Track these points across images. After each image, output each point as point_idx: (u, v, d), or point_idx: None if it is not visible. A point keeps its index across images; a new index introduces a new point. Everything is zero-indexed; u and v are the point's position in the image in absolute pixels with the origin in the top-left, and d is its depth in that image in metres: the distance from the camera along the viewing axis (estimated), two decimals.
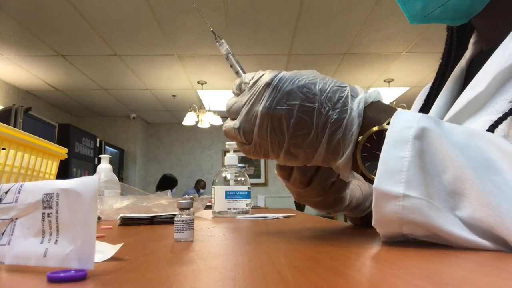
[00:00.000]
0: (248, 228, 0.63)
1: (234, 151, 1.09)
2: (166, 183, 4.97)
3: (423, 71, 4.40)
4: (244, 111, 0.40)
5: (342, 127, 0.37)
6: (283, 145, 0.39)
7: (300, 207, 6.28)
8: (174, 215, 0.54)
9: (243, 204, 1.03)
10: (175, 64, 4.20)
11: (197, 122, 5.16)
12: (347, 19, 3.16)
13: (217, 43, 0.48)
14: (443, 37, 0.60)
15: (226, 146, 1.10)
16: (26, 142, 0.76)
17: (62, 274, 0.22)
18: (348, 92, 0.38)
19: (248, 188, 1.06)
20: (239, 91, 0.43)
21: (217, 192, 1.03)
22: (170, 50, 3.80)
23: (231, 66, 0.47)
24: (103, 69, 4.33)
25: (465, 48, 0.56)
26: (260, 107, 0.38)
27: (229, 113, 0.42)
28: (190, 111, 5.02)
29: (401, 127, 0.34)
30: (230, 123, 0.42)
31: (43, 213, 0.26)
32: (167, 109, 6.20)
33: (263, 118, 0.38)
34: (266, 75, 0.39)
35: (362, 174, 0.38)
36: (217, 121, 5.23)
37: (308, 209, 6.65)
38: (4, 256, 0.26)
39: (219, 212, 1.03)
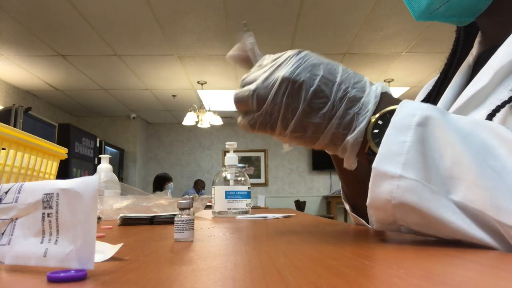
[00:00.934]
0: (248, 228, 0.63)
1: (234, 151, 1.09)
2: (161, 182, 4.95)
3: (423, 71, 4.40)
4: (263, 76, 0.40)
5: (359, 104, 0.38)
6: (296, 112, 0.39)
7: (300, 207, 6.28)
8: (174, 215, 0.54)
9: (243, 204, 1.03)
10: (175, 64, 4.20)
11: (197, 122, 5.16)
12: (347, 19, 3.16)
13: (245, 31, 0.47)
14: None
15: (226, 146, 1.10)
16: (26, 142, 0.76)
17: (62, 274, 0.22)
18: (367, 79, 0.40)
19: (248, 188, 1.06)
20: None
21: (217, 192, 1.03)
22: (170, 50, 3.80)
23: (251, 60, 0.46)
24: (103, 69, 4.33)
25: (471, 47, 0.57)
26: (282, 72, 0.38)
27: (244, 82, 0.42)
28: (190, 111, 5.02)
29: (406, 114, 0.35)
30: (244, 88, 0.41)
31: (43, 213, 0.26)
32: (167, 109, 6.20)
33: (283, 82, 0.38)
34: (291, 50, 0.40)
35: (368, 153, 0.39)
36: (217, 121, 5.23)
37: (308, 209, 6.66)
38: (4, 256, 0.26)
39: (219, 212, 1.03)
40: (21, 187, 0.27)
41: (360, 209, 0.63)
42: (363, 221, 0.62)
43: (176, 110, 6.20)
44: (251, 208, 1.09)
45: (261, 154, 7.09)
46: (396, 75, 4.50)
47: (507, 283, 0.20)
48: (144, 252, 0.34)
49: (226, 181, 1.04)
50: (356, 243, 0.39)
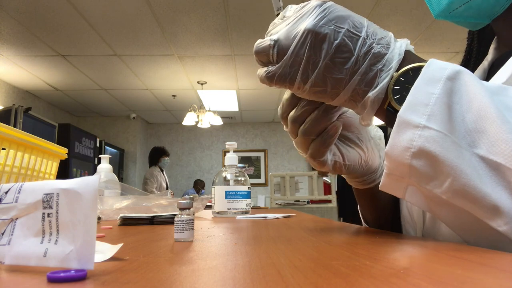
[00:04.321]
0: (248, 228, 0.63)
1: (234, 151, 1.09)
2: (157, 155, 4.91)
3: None
4: (286, 27, 0.38)
5: (383, 60, 0.37)
6: (318, 66, 0.37)
7: None
8: (174, 215, 0.54)
9: (243, 204, 1.03)
10: (175, 64, 4.20)
11: (197, 122, 5.16)
12: None
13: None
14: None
15: (226, 146, 1.10)
16: (26, 142, 0.76)
17: (62, 274, 0.22)
18: (391, 35, 0.39)
19: (248, 188, 1.06)
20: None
21: (217, 192, 1.03)
22: (170, 50, 3.80)
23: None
24: (103, 69, 4.33)
25: (485, 54, 0.57)
26: (306, 23, 0.37)
27: (268, 34, 0.40)
28: (190, 111, 5.02)
29: (437, 67, 0.35)
30: (265, 38, 0.39)
31: (43, 213, 0.26)
32: (167, 109, 6.20)
33: (306, 34, 0.37)
34: (315, 0, 0.39)
35: (388, 110, 0.38)
36: (217, 121, 5.23)
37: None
38: (4, 256, 0.26)
39: (219, 212, 1.03)
40: (21, 187, 0.27)
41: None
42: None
43: (176, 110, 6.20)
44: (251, 208, 1.09)
45: (261, 154, 7.09)
46: None
47: (507, 283, 0.20)
48: (144, 252, 0.34)
49: (226, 181, 1.04)
50: (356, 243, 0.39)
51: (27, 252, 0.25)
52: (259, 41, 0.40)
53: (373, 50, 0.37)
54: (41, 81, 4.61)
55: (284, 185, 3.06)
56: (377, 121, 0.44)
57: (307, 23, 0.37)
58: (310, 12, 0.37)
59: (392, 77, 0.37)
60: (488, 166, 0.32)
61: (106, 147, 5.85)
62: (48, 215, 0.25)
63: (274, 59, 0.39)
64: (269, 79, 0.39)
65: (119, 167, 6.10)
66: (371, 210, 0.60)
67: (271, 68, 0.39)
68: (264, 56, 0.40)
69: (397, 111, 0.35)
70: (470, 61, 0.59)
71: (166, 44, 3.66)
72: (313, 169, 3.13)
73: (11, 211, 0.27)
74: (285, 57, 0.38)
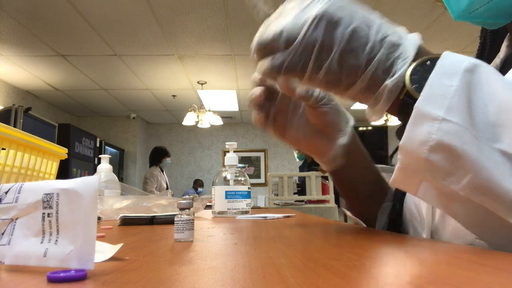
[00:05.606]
0: (248, 228, 0.63)
1: (234, 151, 1.09)
2: (159, 156, 4.91)
3: None
4: (291, 17, 0.36)
5: (399, 49, 0.36)
6: (333, 51, 0.35)
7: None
8: (174, 215, 0.54)
9: (243, 204, 1.03)
10: (175, 64, 4.20)
11: (197, 122, 5.16)
12: None
13: None
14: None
15: (226, 146, 1.10)
16: (26, 142, 0.76)
17: (62, 274, 0.22)
18: (404, 28, 0.38)
19: (248, 188, 1.06)
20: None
21: (217, 192, 1.03)
22: (170, 50, 3.80)
23: None
24: (103, 69, 4.33)
25: (497, 51, 0.56)
26: (317, 8, 0.35)
27: (266, 28, 0.38)
28: (190, 111, 5.02)
29: (454, 60, 0.34)
30: (269, 28, 0.37)
31: (43, 213, 0.26)
32: (167, 109, 6.20)
33: (319, 18, 0.35)
34: None
35: (405, 100, 0.36)
36: (217, 121, 5.23)
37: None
38: (4, 256, 0.26)
39: (219, 212, 1.03)
40: (21, 187, 0.27)
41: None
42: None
43: (176, 110, 6.20)
44: (251, 208, 1.09)
45: (261, 154, 7.09)
46: None
47: (507, 283, 0.20)
48: (144, 252, 0.34)
49: (226, 181, 1.04)
50: (356, 243, 0.39)
51: (27, 252, 0.25)
52: (259, 33, 0.37)
53: (388, 38, 0.36)
54: (41, 81, 4.61)
55: (282, 185, 3.06)
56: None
57: (318, 7, 0.35)
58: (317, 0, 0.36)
59: (409, 66, 0.36)
60: (509, 164, 0.30)
61: (106, 147, 5.85)
62: (48, 215, 0.25)
63: (281, 46, 0.36)
64: (277, 68, 0.36)
65: (119, 167, 6.10)
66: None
67: (278, 55, 0.36)
68: (267, 48, 0.37)
69: (415, 100, 0.33)
70: (483, 59, 0.58)
71: (166, 44, 3.66)
72: (310, 170, 3.13)
73: (11, 211, 0.27)
74: (295, 43, 0.35)
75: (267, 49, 0.37)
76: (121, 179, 6.14)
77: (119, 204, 0.93)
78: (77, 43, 3.61)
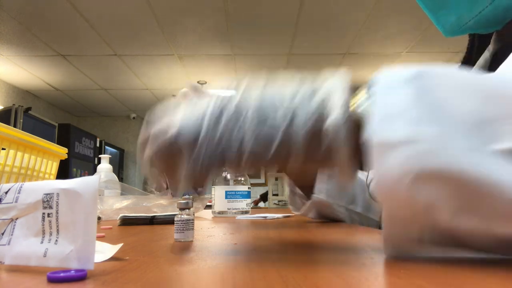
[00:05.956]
0: (248, 228, 0.63)
1: None
2: None
3: None
4: (184, 113, 0.32)
5: (326, 101, 0.29)
6: (246, 135, 0.29)
7: None
8: (174, 215, 0.54)
9: (243, 204, 1.03)
10: (175, 64, 4.19)
11: None
12: (347, 19, 3.16)
13: None
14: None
15: None
16: (26, 142, 0.76)
17: (62, 274, 0.22)
18: (326, 76, 0.31)
19: (248, 188, 1.06)
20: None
21: (217, 192, 1.03)
22: (170, 50, 3.80)
23: None
24: (103, 69, 4.33)
25: (487, 45, 0.56)
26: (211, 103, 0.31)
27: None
28: None
29: (393, 72, 0.28)
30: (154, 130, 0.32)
31: (43, 213, 0.26)
32: None
33: (217, 107, 0.32)
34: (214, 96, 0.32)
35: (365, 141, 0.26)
36: None
37: None
38: (4, 256, 0.26)
39: (219, 212, 1.03)
40: (21, 187, 0.27)
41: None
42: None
43: None
44: (251, 208, 1.09)
45: None
46: None
47: (508, 283, 0.20)
48: (144, 252, 0.34)
49: (226, 181, 1.04)
50: (356, 243, 0.39)
51: (27, 252, 0.25)
52: (143, 135, 0.32)
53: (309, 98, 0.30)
54: (41, 81, 4.61)
55: (282, 185, 3.06)
56: None
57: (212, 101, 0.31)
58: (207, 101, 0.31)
59: (350, 106, 0.29)
60: None
61: (106, 147, 5.84)
62: (48, 215, 0.25)
63: (178, 149, 0.31)
64: (191, 175, 0.31)
65: (119, 167, 6.09)
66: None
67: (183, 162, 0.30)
68: (167, 151, 0.31)
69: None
70: (473, 54, 0.58)
71: (166, 44, 3.65)
72: None
73: (11, 211, 0.27)
74: (200, 140, 0.30)
75: (168, 151, 0.32)
76: (121, 179, 6.14)
77: (119, 204, 0.93)
78: (77, 43, 3.61)
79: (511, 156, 0.21)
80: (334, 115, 0.28)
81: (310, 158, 0.29)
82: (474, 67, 0.54)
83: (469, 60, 0.57)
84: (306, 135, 0.29)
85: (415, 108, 0.24)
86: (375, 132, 0.25)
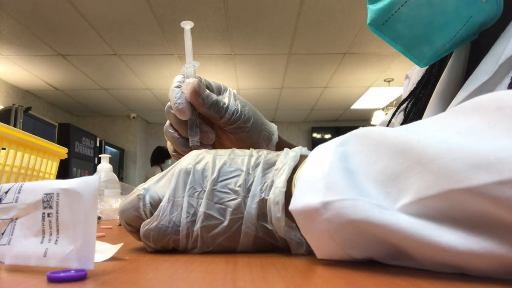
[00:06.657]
0: None
1: None
2: (162, 156, 4.90)
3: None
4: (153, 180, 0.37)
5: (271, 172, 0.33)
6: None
7: None
8: None
9: None
10: (175, 64, 4.20)
11: None
12: (347, 19, 3.16)
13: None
14: None
15: None
16: (26, 142, 0.76)
17: (62, 274, 0.22)
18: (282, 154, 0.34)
19: None
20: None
21: None
22: (170, 50, 3.80)
23: None
24: (103, 69, 4.33)
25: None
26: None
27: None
28: None
29: (322, 145, 0.30)
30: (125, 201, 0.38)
31: (43, 213, 0.26)
32: None
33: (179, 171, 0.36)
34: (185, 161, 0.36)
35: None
36: None
37: None
38: (4, 256, 0.26)
39: None
40: (21, 187, 0.27)
41: None
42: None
43: None
44: None
45: None
46: (396, 75, 4.50)
47: (507, 283, 0.20)
48: (144, 252, 0.34)
49: None
50: None
51: (27, 252, 0.25)
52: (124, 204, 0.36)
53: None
54: (41, 80, 4.61)
55: None
56: None
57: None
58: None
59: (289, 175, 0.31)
60: (428, 217, 0.21)
61: (106, 146, 5.85)
62: (48, 215, 0.25)
63: (147, 213, 0.34)
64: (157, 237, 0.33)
65: (119, 167, 6.10)
66: None
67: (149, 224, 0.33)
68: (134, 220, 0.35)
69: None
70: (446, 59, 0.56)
71: (166, 44, 3.66)
72: None
73: (11, 211, 0.27)
74: (162, 203, 0.33)
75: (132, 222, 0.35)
76: (121, 178, 6.14)
77: (119, 204, 0.93)
78: (77, 43, 3.61)
79: (415, 207, 0.22)
80: (274, 184, 0.31)
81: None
82: (451, 60, 0.52)
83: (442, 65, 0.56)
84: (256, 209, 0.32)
85: (331, 174, 0.25)
86: (295, 203, 0.27)
